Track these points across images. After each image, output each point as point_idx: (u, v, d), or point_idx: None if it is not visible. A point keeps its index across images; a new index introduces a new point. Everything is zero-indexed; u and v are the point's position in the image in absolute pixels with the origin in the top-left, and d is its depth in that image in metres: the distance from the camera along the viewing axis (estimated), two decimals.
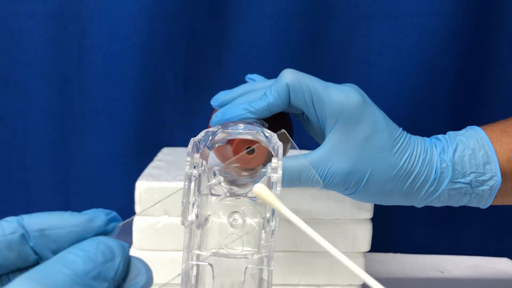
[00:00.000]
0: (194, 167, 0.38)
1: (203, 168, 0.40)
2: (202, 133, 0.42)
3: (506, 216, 0.75)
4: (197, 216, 0.38)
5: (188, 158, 0.39)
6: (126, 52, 0.69)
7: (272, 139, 0.42)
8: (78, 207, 0.72)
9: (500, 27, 0.69)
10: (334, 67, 0.70)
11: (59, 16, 0.68)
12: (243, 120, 0.47)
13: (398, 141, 0.47)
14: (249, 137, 0.44)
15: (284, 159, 0.44)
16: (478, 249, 0.76)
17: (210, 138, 0.42)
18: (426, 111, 0.71)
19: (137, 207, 0.52)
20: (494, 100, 0.70)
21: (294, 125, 0.52)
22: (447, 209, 0.74)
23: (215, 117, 0.48)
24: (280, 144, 0.41)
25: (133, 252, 0.53)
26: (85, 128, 0.71)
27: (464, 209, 0.74)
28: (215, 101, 0.51)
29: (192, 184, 0.38)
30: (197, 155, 0.39)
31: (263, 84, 0.50)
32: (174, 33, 0.69)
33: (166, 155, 0.65)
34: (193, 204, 0.38)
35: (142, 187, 0.52)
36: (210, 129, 0.43)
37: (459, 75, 0.71)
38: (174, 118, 0.72)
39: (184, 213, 0.37)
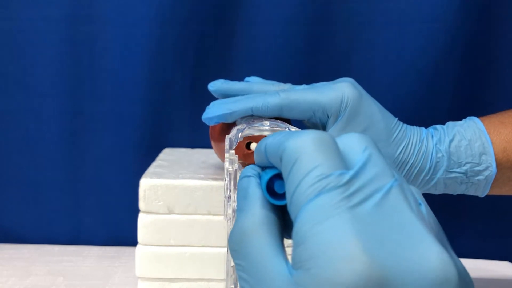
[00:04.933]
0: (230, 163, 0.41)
1: (238, 164, 0.42)
2: (234, 131, 0.44)
3: (506, 219, 0.76)
4: (233, 210, 0.40)
5: (227, 155, 0.41)
6: (136, 55, 0.71)
7: None
8: (86, 205, 0.75)
9: (501, 34, 0.70)
10: (338, 71, 0.71)
11: (72, 20, 0.70)
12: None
13: (393, 132, 0.49)
14: (267, 133, 0.46)
15: None
16: (478, 252, 0.76)
17: (239, 134, 0.45)
18: (428, 115, 0.72)
19: (141, 204, 0.54)
20: (494, 105, 0.71)
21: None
22: (448, 211, 0.76)
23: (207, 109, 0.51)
24: None
25: (138, 247, 0.55)
26: (94, 128, 0.73)
27: (465, 211, 0.76)
28: (212, 85, 0.54)
29: (230, 179, 0.40)
30: (232, 151, 0.41)
31: (262, 86, 0.52)
32: (182, 37, 0.71)
33: (168, 155, 0.67)
34: (230, 198, 0.40)
35: (146, 184, 0.54)
36: (238, 126, 0.45)
37: (461, 80, 0.72)
38: (180, 120, 0.73)
39: (225, 208, 0.39)
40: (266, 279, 0.24)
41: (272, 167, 0.28)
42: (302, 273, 0.22)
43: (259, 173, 0.29)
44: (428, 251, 0.22)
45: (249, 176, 0.29)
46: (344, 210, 0.22)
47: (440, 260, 0.21)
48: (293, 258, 0.23)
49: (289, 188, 0.25)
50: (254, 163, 0.47)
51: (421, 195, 0.26)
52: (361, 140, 0.26)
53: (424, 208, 0.25)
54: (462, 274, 0.22)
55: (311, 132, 0.25)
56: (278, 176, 0.28)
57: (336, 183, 0.23)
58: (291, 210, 0.24)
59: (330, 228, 0.22)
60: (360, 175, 0.24)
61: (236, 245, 0.26)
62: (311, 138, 0.25)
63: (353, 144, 0.26)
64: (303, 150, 0.25)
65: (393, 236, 0.22)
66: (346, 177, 0.23)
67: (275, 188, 0.28)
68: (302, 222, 0.23)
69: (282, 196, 0.27)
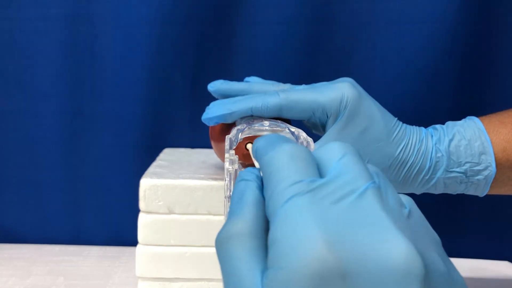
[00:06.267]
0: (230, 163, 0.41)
1: (238, 164, 0.42)
2: (234, 131, 0.44)
3: (506, 219, 0.76)
4: None
5: (227, 155, 0.41)
6: (136, 56, 0.71)
7: (300, 135, 0.44)
8: (86, 204, 0.75)
9: (501, 33, 0.70)
10: (338, 71, 0.71)
11: (72, 20, 0.70)
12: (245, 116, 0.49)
13: (393, 131, 0.49)
14: (267, 134, 0.46)
15: None
16: (478, 252, 0.76)
17: (240, 135, 0.45)
18: (428, 115, 0.71)
19: (141, 204, 0.54)
20: (494, 105, 0.71)
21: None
22: (448, 211, 0.76)
23: (207, 109, 0.51)
24: (310, 139, 0.43)
25: (138, 247, 0.55)
26: (95, 129, 0.73)
27: (465, 211, 0.76)
28: (212, 86, 0.54)
29: (231, 179, 0.40)
30: (232, 151, 0.41)
31: (261, 86, 0.52)
32: (182, 37, 0.71)
33: (168, 155, 0.67)
34: (230, 198, 0.40)
35: (146, 184, 0.54)
36: (238, 127, 0.45)
37: (461, 80, 0.72)
38: (180, 120, 0.73)
39: (226, 208, 0.39)
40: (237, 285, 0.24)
41: None
42: (271, 272, 0.23)
43: (257, 176, 0.30)
44: (393, 245, 0.22)
45: (248, 180, 0.29)
46: (312, 213, 0.23)
47: (404, 254, 0.22)
48: (267, 260, 0.24)
49: (266, 198, 0.26)
50: (253, 163, 0.47)
51: (413, 202, 0.27)
52: (340, 148, 0.27)
53: (408, 211, 0.25)
54: (440, 270, 0.23)
55: (286, 145, 0.26)
56: None
57: (305, 189, 0.24)
58: (269, 217, 0.25)
59: (297, 229, 0.23)
60: (333, 180, 0.25)
61: (220, 247, 0.26)
62: (284, 151, 0.26)
63: (332, 153, 0.27)
64: (277, 162, 0.26)
65: (361, 233, 0.23)
66: (317, 183, 0.24)
67: None
68: (274, 226, 0.24)
69: None
